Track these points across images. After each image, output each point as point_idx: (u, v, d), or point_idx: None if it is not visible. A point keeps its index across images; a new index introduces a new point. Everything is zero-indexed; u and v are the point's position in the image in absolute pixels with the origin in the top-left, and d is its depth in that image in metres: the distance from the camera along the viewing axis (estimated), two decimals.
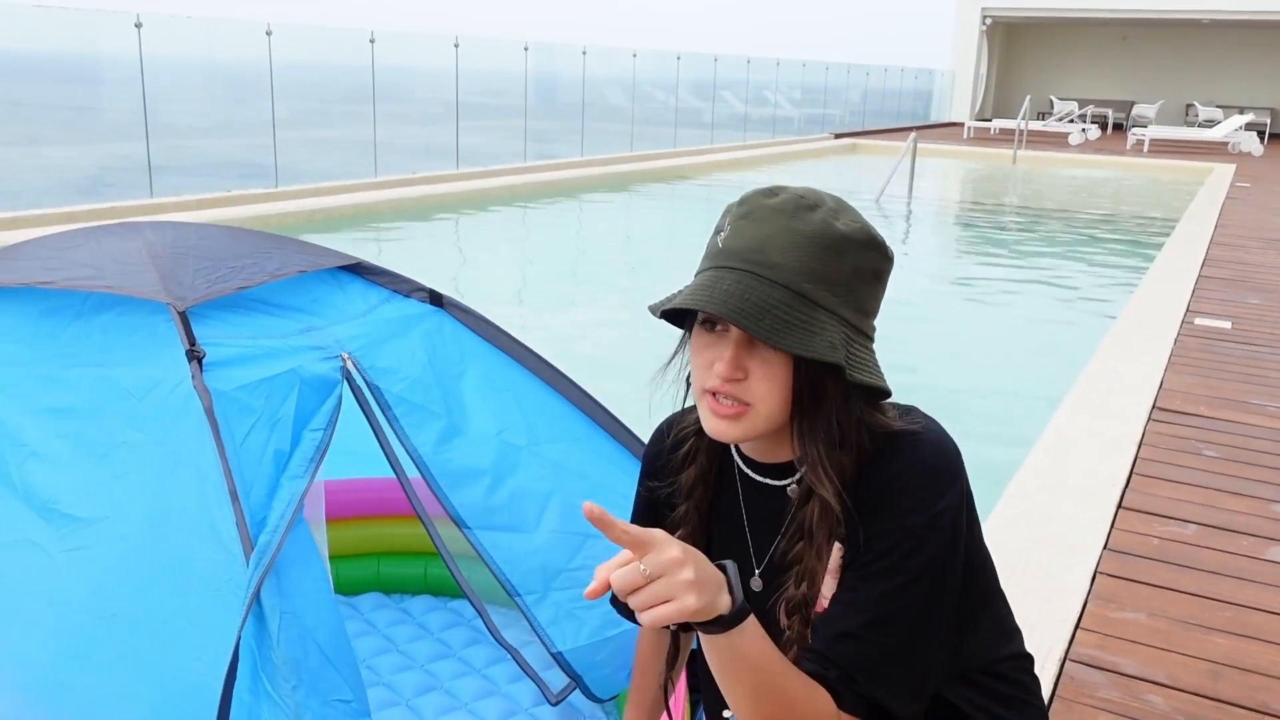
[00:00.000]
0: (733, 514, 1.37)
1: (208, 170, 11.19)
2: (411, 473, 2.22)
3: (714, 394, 1.21)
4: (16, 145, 9.36)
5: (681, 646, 1.60)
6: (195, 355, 1.85)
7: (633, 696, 1.67)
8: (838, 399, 1.18)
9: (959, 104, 29.00)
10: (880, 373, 1.21)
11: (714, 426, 1.22)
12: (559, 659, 2.24)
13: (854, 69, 25.04)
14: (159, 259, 2.00)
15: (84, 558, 1.79)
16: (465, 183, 12.03)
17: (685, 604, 1.00)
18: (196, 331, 1.90)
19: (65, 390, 1.95)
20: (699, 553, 1.05)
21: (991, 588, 1.37)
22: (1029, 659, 1.43)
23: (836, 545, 1.23)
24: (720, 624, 1.06)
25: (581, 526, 2.28)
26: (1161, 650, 2.46)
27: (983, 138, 23.40)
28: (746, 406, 1.19)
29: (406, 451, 2.19)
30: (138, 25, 8.83)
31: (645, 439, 2.41)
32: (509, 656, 2.47)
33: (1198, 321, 5.91)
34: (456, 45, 12.36)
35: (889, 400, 1.25)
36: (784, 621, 1.24)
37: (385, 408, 2.12)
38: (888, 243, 1.22)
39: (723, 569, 1.08)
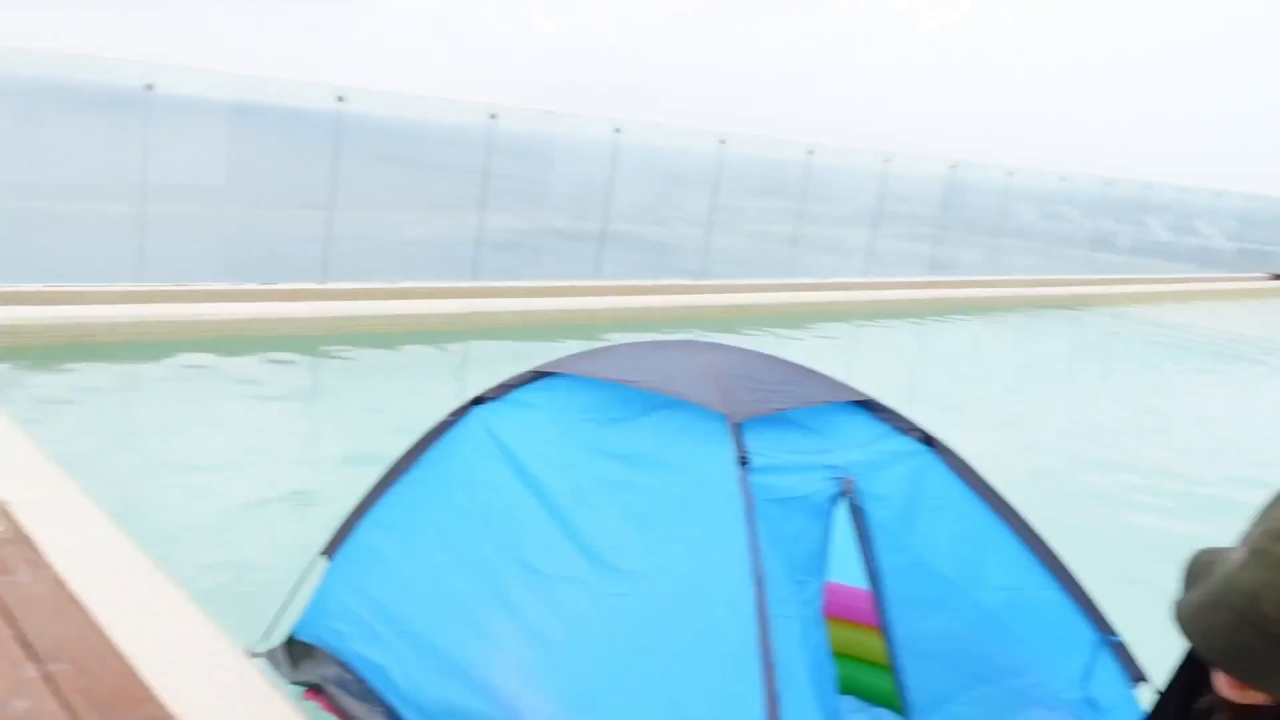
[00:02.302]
0: None
1: (641, 249, 12.50)
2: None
3: None
4: (467, 209, 10.90)
5: None
6: (744, 460, 2.29)
7: None
8: None
9: None
10: None
11: (1227, 690, 1.33)
12: None
13: None
14: (719, 376, 2.49)
15: (622, 603, 2.28)
16: (870, 292, 12.39)
17: None
18: (744, 440, 2.35)
19: (627, 466, 2.48)
20: None
21: None
22: None
23: None
24: None
25: (977, 670, 2.60)
26: None
27: None
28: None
29: (871, 570, 2.53)
30: (617, 130, 10.23)
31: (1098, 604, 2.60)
32: None
33: None
34: (887, 160, 12.88)
35: None
36: None
37: (867, 529, 2.48)
38: None
39: None
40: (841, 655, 3.16)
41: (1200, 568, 1.39)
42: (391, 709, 2.49)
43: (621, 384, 2.57)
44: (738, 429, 2.34)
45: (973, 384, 9.40)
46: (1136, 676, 2.59)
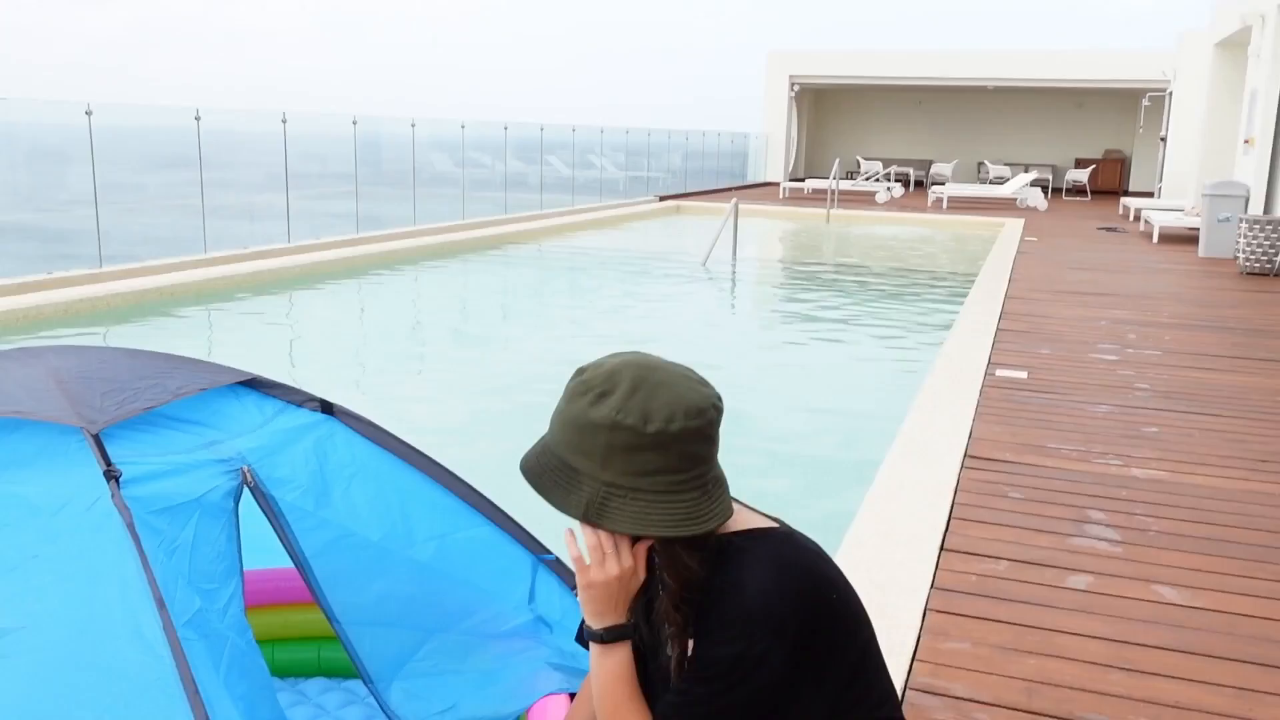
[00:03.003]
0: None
1: (30, 240, 10.79)
2: None
3: None
4: None
5: None
6: (113, 475, 1.97)
7: None
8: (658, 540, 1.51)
9: (773, 165, 30.51)
10: (674, 515, 1.45)
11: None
12: None
13: (674, 133, 26.04)
14: (66, 384, 2.11)
15: (4, 666, 1.88)
16: (298, 256, 11.94)
17: (591, 577, 1.54)
18: (109, 451, 2.02)
19: None
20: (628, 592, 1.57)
21: (857, 669, 1.58)
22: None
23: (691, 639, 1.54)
24: (589, 634, 1.59)
25: (428, 622, 2.58)
26: (984, 674, 2.84)
27: (797, 197, 24.69)
28: None
29: (294, 555, 2.37)
30: None
31: (526, 525, 2.68)
32: None
33: (999, 373, 6.56)
34: (284, 120, 12.33)
35: (768, 515, 1.59)
36: (672, 675, 1.57)
37: (279, 515, 2.30)
38: (647, 422, 1.43)
39: (633, 626, 1.59)
40: (302, 639, 2.98)
41: None
42: None
43: None
44: (98, 440, 2.01)
45: (424, 334, 9.48)
46: (574, 585, 2.71)
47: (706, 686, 1.49)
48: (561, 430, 1.48)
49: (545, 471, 1.48)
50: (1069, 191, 28.32)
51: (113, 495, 1.94)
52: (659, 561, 1.54)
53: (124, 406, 2.11)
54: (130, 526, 1.91)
